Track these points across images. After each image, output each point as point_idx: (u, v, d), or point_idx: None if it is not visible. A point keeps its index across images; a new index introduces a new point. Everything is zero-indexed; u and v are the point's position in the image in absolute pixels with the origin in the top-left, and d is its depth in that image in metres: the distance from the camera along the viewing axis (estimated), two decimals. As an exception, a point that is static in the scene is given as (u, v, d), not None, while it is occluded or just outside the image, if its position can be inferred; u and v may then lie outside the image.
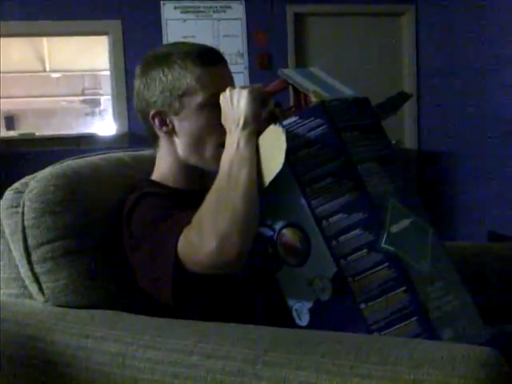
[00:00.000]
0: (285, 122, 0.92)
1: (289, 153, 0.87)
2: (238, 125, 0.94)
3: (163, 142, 1.14)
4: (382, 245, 0.86)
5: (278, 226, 0.94)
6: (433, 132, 4.68)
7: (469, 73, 4.29)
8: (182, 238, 0.92)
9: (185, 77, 1.09)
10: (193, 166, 1.13)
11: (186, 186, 1.15)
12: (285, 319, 0.95)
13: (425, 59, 4.74)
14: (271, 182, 0.90)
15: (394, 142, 3.87)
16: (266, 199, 0.92)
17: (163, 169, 1.16)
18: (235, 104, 0.95)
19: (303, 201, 0.89)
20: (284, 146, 0.87)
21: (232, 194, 0.90)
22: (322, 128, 0.90)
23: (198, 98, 1.09)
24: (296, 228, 0.91)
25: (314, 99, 0.99)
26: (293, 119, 0.92)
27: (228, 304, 1.02)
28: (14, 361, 1.02)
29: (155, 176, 1.17)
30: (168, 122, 1.11)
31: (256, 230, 0.92)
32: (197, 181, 1.14)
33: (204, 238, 0.88)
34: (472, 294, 0.93)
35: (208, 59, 1.11)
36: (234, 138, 0.94)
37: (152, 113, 1.11)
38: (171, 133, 1.12)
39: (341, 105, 0.95)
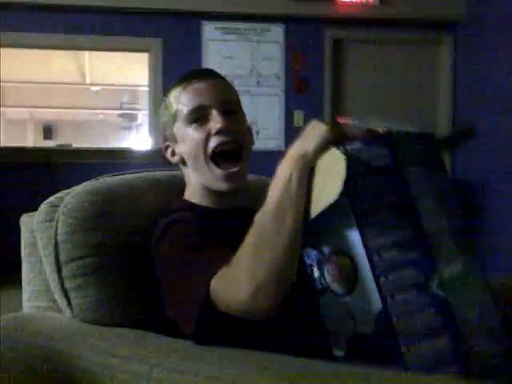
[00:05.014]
0: (349, 147, 0.85)
1: (349, 179, 0.81)
2: (298, 153, 0.87)
3: (182, 169, 1.19)
4: (433, 288, 0.83)
5: (326, 250, 0.90)
6: (467, 161, 4.62)
7: (504, 102, 4.24)
8: (218, 276, 0.89)
9: (171, 104, 1.15)
10: (210, 188, 1.13)
11: (217, 205, 1.15)
12: (322, 346, 0.92)
13: (461, 88, 4.70)
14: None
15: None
16: (316, 219, 0.87)
17: (191, 192, 1.18)
18: (309, 133, 0.88)
19: (356, 231, 0.84)
20: (343, 174, 0.81)
21: (274, 241, 0.85)
22: (386, 159, 0.86)
23: (181, 119, 1.12)
24: (346, 256, 0.87)
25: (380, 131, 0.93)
26: (357, 145, 0.86)
27: (258, 334, 0.98)
28: (38, 374, 1.02)
29: (187, 195, 1.19)
30: (176, 152, 1.16)
31: (293, 279, 0.87)
32: (226, 200, 1.15)
33: (239, 283, 0.85)
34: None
35: (188, 79, 1.14)
36: (288, 168, 0.87)
37: (164, 146, 1.19)
38: (181, 161, 1.17)
39: (406, 137, 0.92)
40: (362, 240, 0.84)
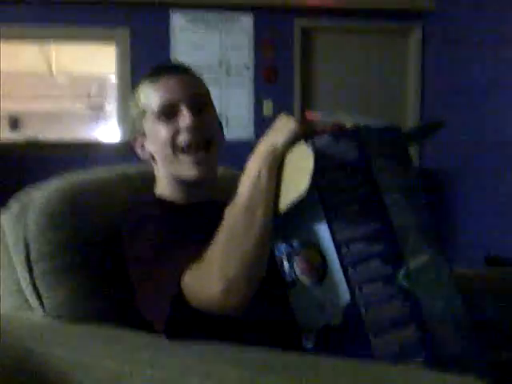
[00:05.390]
0: (317, 141, 0.87)
1: (316, 173, 0.82)
2: (267, 149, 0.88)
3: (152, 163, 1.19)
4: (399, 280, 0.85)
5: (296, 243, 0.92)
6: (435, 150, 4.70)
7: (471, 92, 4.32)
8: (189, 272, 0.90)
9: (140, 99, 1.15)
10: (180, 179, 1.14)
11: (186, 200, 1.16)
12: (292, 338, 0.94)
13: (429, 78, 4.76)
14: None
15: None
16: (286, 213, 0.88)
17: (161, 186, 1.19)
18: (278, 128, 0.89)
19: (325, 224, 0.86)
20: (311, 170, 0.82)
21: (245, 236, 0.86)
22: (353, 152, 0.88)
23: (150, 115, 1.13)
24: (315, 249, 0.88)
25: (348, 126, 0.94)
26: (325, 140, 0.88)
27: (229, 328, 0.99)
28: (11, 373, 1.02)
29: (157, 190, 1.20)
30: (145, 146, 1.17)
31: (263, 274, 0.89)
32: (195, 193, 1.16)
33: (211, 279, 0.86)
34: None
35: (156, 74, 1.14)
36: (257, 164, 0.88)
37: (133, 140, 1.19)
38: (151, 156, 1.17)
39: (374, 132, 0.93)
40: (331, 233, 0.86)
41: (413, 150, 4.79)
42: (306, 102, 4.60)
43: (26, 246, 1.06)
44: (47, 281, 1.06)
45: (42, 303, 1.07)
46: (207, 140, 1.13)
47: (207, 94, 1.19)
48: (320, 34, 4.76)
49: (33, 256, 1.06)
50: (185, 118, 1.10)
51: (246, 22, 4.53)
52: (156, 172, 1.20)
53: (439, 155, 4.64)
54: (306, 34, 4.67)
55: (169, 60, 4.27)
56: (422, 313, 0.85)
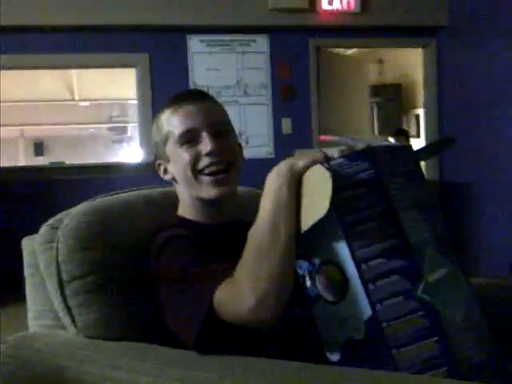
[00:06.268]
0: (332, 162, 0.90)
1: (334, 193, 0.85)
2: (286, 166, 0.92)
3: (175, 185, 1.24)
4: (419, 293, 0.86)
5: (316, 260, 0.93)
6: (454, 163, 4.69)
7: (484, 105, 4.32)
8: (221, 289, 0.93)
9: (163, 125, 1.20)
10: (201, 200, 1.18)
11: (209, 220, 1.20)
12: (317, 352, 0.96)
13: (447, 91, 4.78)
14: None
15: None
16: (305, 232, 0.91)
17: (184, 207, 1.23)
18: (299, 155, 0.94)
19: (344, 242, 0.88)
20: (330, 191, 0.85)
21: (271, 252, 0.89)
22: (367, 172, 0.89)
23: (173, 140, 1.17)
24: (336, 266, 0.90)
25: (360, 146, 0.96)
26: (339, 160, 0.90)
27: (257, 342, 1.02)
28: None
29: (180, 211, 1.24)
30: (168, 170, 1.22)
31: (290, 289, 0.91)
32: (217, 213, 1.20)
33: (243, 296, 0.89)
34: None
35: (178, 101, 1.19)
36: (277, 179, 0.92)
37: (156, 164, 1.24)
38: (173, 179, 1.22)
39: (386, 151, 0.95)
40: (350, 250, 0.88)
41: (433, 163, 4.79)
42: (324, 119, 4.62)
43: (58, 268, 1.10)
44: (79, 300, 1.09)
45: (74, 322, 1.11)
46: (227, 166, 1.17)
47: (227, 119, 1.23)
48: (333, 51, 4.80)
49: (64, 277, 1.10)
50: (206, 144, 1.14)
51: (262, 42, 4.60)
52: (179, 194, 1.24)
53: (460, 167, 4.63)
54: (320, 51, 4.72)
55: (185, 84, 4.34)
56: (443, 325, 0.86)
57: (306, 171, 0.91)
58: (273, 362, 0.92)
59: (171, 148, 1.19)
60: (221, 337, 0.97)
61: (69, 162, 5.21)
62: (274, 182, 0.92)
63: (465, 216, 4.57)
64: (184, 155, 1.16)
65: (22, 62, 4.46)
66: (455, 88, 4.67)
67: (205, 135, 1.15)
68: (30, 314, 1.26)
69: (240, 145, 1.25)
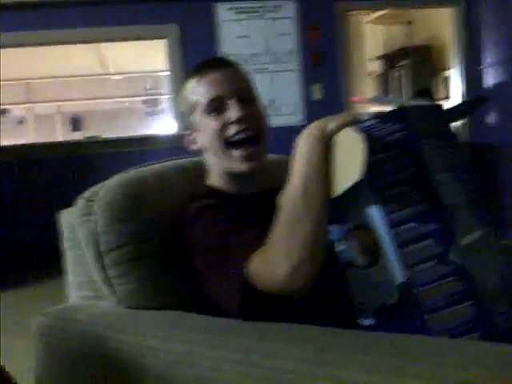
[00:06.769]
0: (363, 124, 0.87)
1: (366, 156, 0.83)
2: (316, 126, 0.91)
3: (204, 155, 1.23)
4: (452, 257, 0.85)
5: (348, 225, 0.93)
6: (485, 125, 4.57)
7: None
8: (255, 258, 0.93)
9: (188, 95, 1.19)
10: (230, 172, 1.18)
11: (239, 190, 1.20)
12: (349, 318, 0.96)
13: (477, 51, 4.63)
14: None
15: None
16: (336, 196, 0.89)
17: (214, 177, 1.23)
18: (330, 117, 0.92)
19: (375, 206, 0.87)
20: (363, 154, 0.82)
21: (305, 218, 0.88)
22: (400, 133, 0.87)
23: (200, 109, 1.17)
24: (368, 230, 0.89)
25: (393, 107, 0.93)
26: (371, 121, 0.88)
27: (291, 309, 1.01)
28: (87, 359, 1.08)
29: (210, 181, 1.24)
30: (196, 140, 1.21)
31: (324, 255, 0.91)
32: (247, 184, 1.20)
33: (276, 264, 0.89)
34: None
35: (203, 69, 1.18)
36: (309, 142, 0.90)
37: (184, 134, 1.24)
38: (202, 149, 1.21)
39: (418, 111, 0.92)
40: (381, 214, 0.86)
41: (463, 126, 4.68)
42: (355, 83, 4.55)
43: (96, 240, 1.13)
44: (118, 271, 1.12)
45: (113, 292, 1.13)
46: (256, 133, 1.16)
47: (252, 87, 1.22)
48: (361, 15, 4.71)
49: (102, 248, 1.12)
50: (233, 111, 1.13)
51: (289, 7, 4.52)
52: (207, 163, 1.24)
53: (490, 130, 4.51)
54: (348, 15, 4.63)
55: (215, 54, 4.32)
56: (476, 288, 0.85)
57: (336, 133, 0.89)
58: (307, 328, 0.92)
59: (198, 117, 1.19)
60: (258, 304, 0.97)
61: (104, 136, 5.28)
62: (304, 145, 0.91)
63: (497, 178, 4.46)
64: (212, 124, 1.15)
65: (52, 38, 4.52)
66: (485, 49, 4.51)
67: (232, 102, 1.14)
68: (69, 286, 1.30)
69: (266, 113, 1.24)
